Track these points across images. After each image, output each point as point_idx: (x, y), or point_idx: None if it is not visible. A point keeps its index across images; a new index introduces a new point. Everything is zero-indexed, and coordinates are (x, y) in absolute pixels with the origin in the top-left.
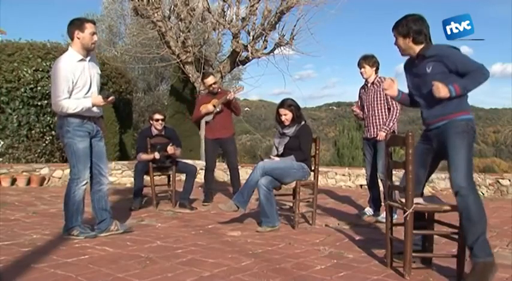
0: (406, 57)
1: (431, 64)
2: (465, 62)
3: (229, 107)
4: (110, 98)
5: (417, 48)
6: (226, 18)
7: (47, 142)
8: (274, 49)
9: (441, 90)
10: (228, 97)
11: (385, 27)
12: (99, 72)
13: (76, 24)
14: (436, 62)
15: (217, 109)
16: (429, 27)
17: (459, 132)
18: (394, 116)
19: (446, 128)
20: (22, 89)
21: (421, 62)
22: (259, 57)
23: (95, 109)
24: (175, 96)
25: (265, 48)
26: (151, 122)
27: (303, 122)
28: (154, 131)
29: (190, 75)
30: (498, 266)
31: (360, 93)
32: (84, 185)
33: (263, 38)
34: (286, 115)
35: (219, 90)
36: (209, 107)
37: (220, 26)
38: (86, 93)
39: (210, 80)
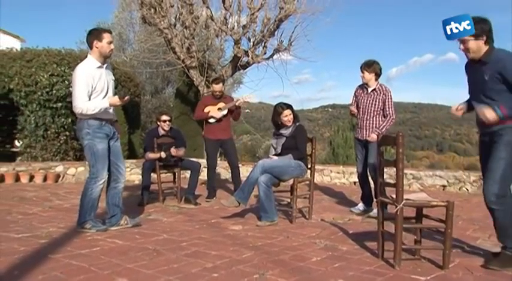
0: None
1: (489, 72)
2: None
3: (232, 112)
4: (126, 98)
5: (484, 50)
6: (228, 26)
7: (61, 142)
8: (273, 54)
9: (488, 116)
10: (237, 103)
11: (378, 34)
12: (114, 78)
13: (94, 34)
14: (493, 70)
15: (224, 112)
16: (492, 30)
17: (509, 142)
18: (388, 123)
19: (500, 134)
20: (39, 93)
21: (481, 67)
22: (259, 62)
23: (110, 111)
24: (180, 98)
25: (265, 53)
26: (158, 123)
27: (297, 123)
28: (161, 132)
29: (194, 79)
30: None
31: (356, 91)
32: (101, 183)
33: (263, 44)
34: (291, 115)
35: (223, 94)
36: (217, 111)
37: (223, 33)
38: (103, 98)
39: (218, 87)
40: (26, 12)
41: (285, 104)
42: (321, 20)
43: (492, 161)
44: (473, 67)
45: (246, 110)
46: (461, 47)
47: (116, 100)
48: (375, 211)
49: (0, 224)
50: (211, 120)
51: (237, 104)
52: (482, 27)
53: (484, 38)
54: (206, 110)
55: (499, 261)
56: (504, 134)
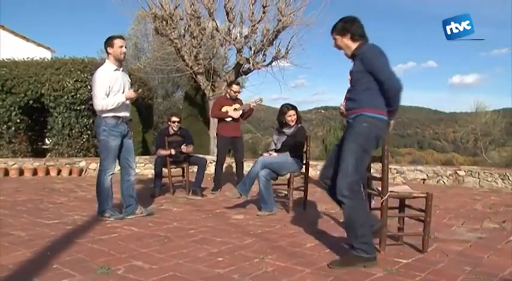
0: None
1: (355, 64)
2: (379, 69)
3: (243, 113)
4: (139, 91)
5: (354, 47)
6: (232, 36)
7: (84, 140)
8: (272, 62)
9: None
10: (251, 106)
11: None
12: (129, 80)
13: (107, 42)
14: (359, 60)
15: (240, 112)
16: (363, 27)
17: (357, 133)
18: None
19: (353, 123)
20: (65, 97)
21: (353, 60)
22: (259, 68)
23: (127, 109)
24: (188, 101)
25: (264, 61)
26: (169, 123)
27: (299, 124)
28: (171, 131)
29: (201, 84)
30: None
31: (346, 95)
32: (110, 175)
33: (262, 52)
34: (294, 116)
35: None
36: (234, 111)
37: (227, 42)
38: None
39: (236, 88)
40: (56, 27)
41: (290, 105)
42: (315, 30)
43: (343, 156)
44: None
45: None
46: (333, 45)
47: (131, 93)
48: None
49: (35, 212)
50: (228, 119)
51: (251, 106)
52: (344, 26)
53: (348, 35)
54: (223, 109)
55: (342, 261)
56: (354, 125)
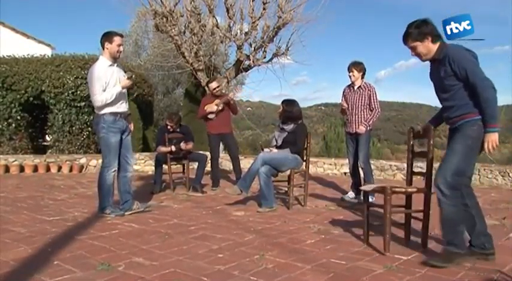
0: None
1: (443, 68)
2: (473, 72)
3: (229, 107)
4: (133, 77)
5: (435, 49)
6: (232, 33)
7: (84, 137)
8: (272, 58)
9: (494, 140)
10: (228, 98)
11: (369, 40)
12: (124, 75)
13: (106, 37)
14: (446, 66)
15: (219, 108)
16: (436, 28)
17: (467, 136)
18: (374, 116)
19: (462, 127)
20: (66, 93)
21: (438, 65)
22: (259, 65)
23: (123, 91)
24: (189, 98)
25: (265, 57)
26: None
27: (300, 121)
28: (171, 128)
29: (201, 81)
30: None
31: (344, 91)
32: (113, 172)
33: (263, 49)
34: (281, 109)
35: (221, 93)
36: (213, 106)
37: (227, 39)
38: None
39: (213, 84)
40: (57, 23)
41: (285, 100)
42: (315, 27)
43: (450, 154)
44: (433, 67)
45: (248, 108)
46: (412, 53)
47: (127, 82)
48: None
49: (36, 208)
50: (210, 116)
51: (228, 97)
52: (422, 31)
53: (429, 38)
54: (205, 108)
55: (442, 257)
56: (462, 128)
